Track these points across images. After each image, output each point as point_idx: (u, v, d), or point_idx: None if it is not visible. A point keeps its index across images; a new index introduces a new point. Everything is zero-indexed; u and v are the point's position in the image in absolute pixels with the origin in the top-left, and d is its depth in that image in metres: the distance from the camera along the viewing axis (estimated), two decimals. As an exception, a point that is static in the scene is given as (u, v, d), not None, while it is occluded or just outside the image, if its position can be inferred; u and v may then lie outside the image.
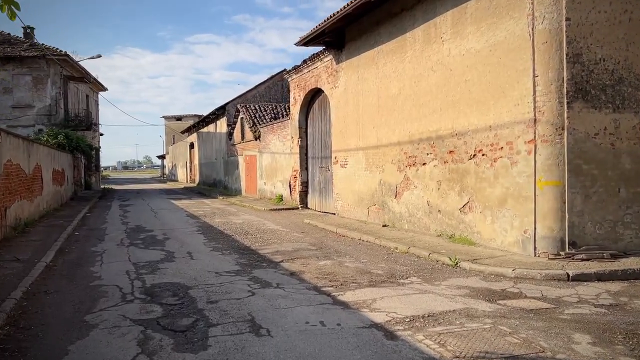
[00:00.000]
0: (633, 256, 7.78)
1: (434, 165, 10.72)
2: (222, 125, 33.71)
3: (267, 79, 33.03)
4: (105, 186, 42.17)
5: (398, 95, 12.04)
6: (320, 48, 16.23)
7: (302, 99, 18.39)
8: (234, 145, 30.11)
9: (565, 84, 7.82)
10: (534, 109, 8.02)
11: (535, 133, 8.04)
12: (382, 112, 12.80)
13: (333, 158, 15.92)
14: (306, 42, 15.13)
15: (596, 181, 7.98)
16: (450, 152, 10.17)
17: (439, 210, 10.58)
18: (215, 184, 36.30)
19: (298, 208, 18.93)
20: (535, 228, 8.07)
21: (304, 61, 17.45)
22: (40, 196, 16.36)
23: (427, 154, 10.95)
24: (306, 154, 18.93)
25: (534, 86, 8.01)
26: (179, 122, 70.49)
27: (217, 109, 33.37)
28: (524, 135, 8.23)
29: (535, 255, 8.07)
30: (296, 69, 18.43)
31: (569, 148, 7.83)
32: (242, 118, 28.00)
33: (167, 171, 73.62)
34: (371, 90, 13.31)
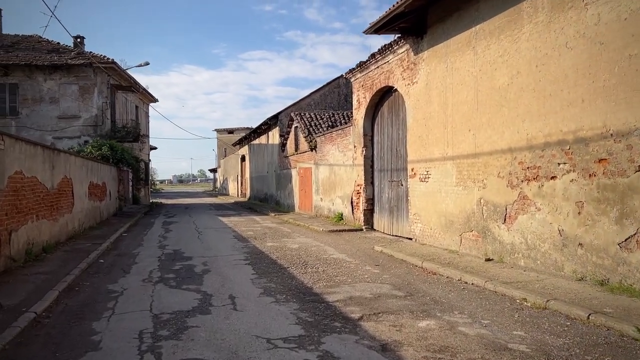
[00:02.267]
0: None
1: (571, 180, 7.61)
2: (274, 136, 31.42)
3: (323, 86, 30.53)
4: (154, 201, 40.76)
5: (508, 86, 9.02)
6: (392, 38, 13.43)
7: (368, 101, 15.59)
8: (286, 157, 27.66)
9: None
10: None
11: None
12: (482, 109, 9.80)
13: (409, 170, 12.98)
14: (377, 28, 12.36)
15: None
16: (601, 160, 7.06)
17: (580, 244, 7.44)
18: (267, 198, 33.97)
19: (362, 229, 16.05)
20: None
21: (372, 55, 14.68)
22: (69, 214, 14.27)
23: (559, 163, 7.86)
24: (372, 166, 16.06)
25: None
26: (231, 135, 69.39)
27: (270, 119, 31.12)
28: None
29: None
30: (361, 66, 15.68)
31: None
32: (296, 127, 25.53)
33: (218, 185, 72.59)
34: (466, 83, 10.34)
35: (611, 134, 6.87)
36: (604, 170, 7.00)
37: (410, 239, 12.97)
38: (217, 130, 75.61)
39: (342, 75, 30.88)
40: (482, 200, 9.88)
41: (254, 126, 39.43)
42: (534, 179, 8.42)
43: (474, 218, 10.13)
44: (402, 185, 13.91)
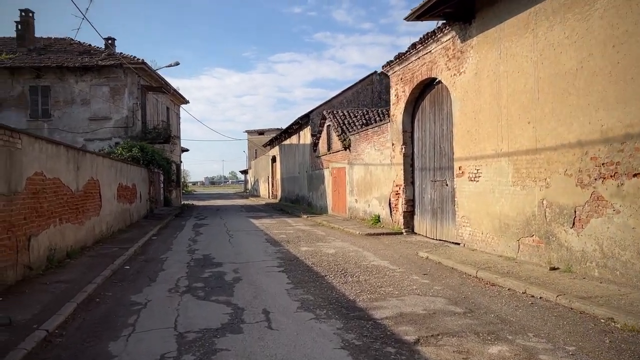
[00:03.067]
0: None
1: (661, 177, 6.47)
2: (305, 135, 30.61)
3: (355, 83, 29.57)
4: (186, 202, 40.53)
5: (577, 71, 7.90)
6: (433, 25, 12.40)
7: (407, 95, 14.56)
8: (318, 157, 26.79)
9: None
10: None
11: None
12: (544, 99, 8.69)
13: (456, 169, 11.90)
14: (419, 15, 11.34)
15: None
16: (703, 153, 5.91)
17: (675, 253, 6.30)
18: (298, 200, 33.19)
19: (402, 233, 15.02)
20: None
21: (412, 45, 13.65)
22: (96, 217, 13.71)
23: (644, 158, 6.73)
24: (412, 165, 15.02)
25: None
26: (262, 136, 69.07)
27: (301, 118, 30.33)
28: None
29: None
30: (400, 57, 14.67)
31: None
32: (328, 126, 24.64)
33: (249, 186, 72.36)
34: (523, 70, 9.24)
35: None
36: None
37: (458, 244, 11.89)
38: (248, 132, 75.45)
39: (375, 72, 29.91)
40: (544, 202, 8.76)
41: (284, 127, 38.78)
42: (611, 176, 7.28)
43: (535, 221, 9.01)
44: (446, 185, 12.84)
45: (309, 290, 7.85)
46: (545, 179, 8.71)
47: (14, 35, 29.24)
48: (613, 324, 5.67)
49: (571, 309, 6.36)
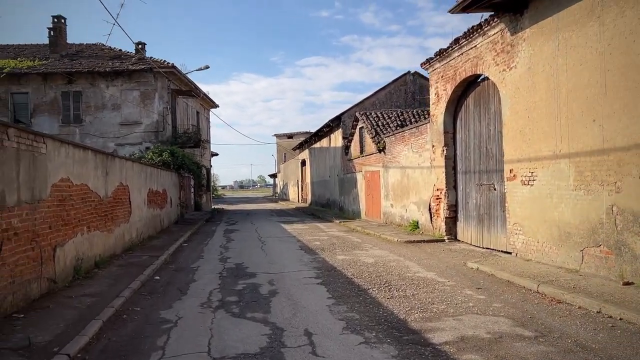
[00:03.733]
0: None
1: None
2: (336, 138, 29.92)
3: (388, 84, 28.76)
4: (216, 207, 40.34)
5: (656, 60, 6.98)
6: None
7: (449, 93, 13.72)
8: (350, 160, 26.04)
9: None
10: None
11: None
12: (613, 94, 7.77)
13: (506, 172, 11.01)
14: (466, 6, 10.53)
15: None
16: None
17: None
18: (329, 204, 32.49)
19: (444, 240, 14.15)
20: None
21: (455, 40, 12.81)
22: (125, 224, 13.29)
23: None
24: (454, 168, 14.15)
25: None
26: (290, 139, 68.76)
27: (332, 120, 29.65)
28: None
29: None
30: (441, 54, 13.83)
31: None
32: (361, 128, 23.89)
33: (278, 190, 72.09)
34: (587, 62, 8.34)
35: None
36: None
37: (509, 253, 10.98)
38: (277, 136, 75.29)
39: (408, 72, 29.05)
40: (614, 208, 7.83)
41: (313, 130, 38.15)
42: (701, 180, 6.35)
43: (603, 230, 8.08)
44: (494, 189, 11.94)
45: (352, 307, 7.12)
46: (615, 183, 7.78)
47: (46, 41, 29.46)
48: None
49: (663, 334, 5.47)
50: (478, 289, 8.16)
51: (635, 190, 7.39)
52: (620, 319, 6.09)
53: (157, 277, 9.89)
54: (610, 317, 6.22)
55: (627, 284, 7.43)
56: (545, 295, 7.49)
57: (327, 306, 7.23)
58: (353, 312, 6.84)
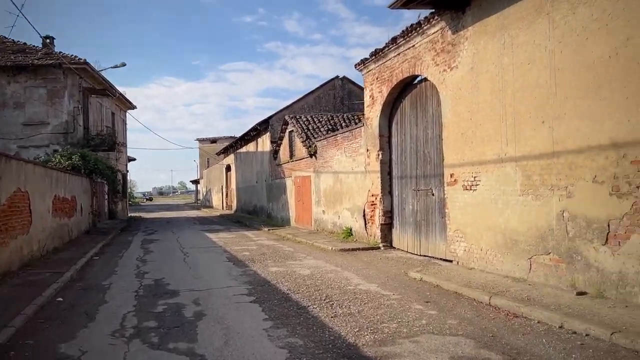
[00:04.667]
0: None
1: None
2: (264, 142, 28.87)
3: (317, 88, 28.22)
4: (133, 215, 37.82)
5: (610, 59, 6.67)
6: (419, 14, 11.10)
7: (384, 96, 13.19)
8: (279, 165, 25.11)
9: None
10: None
11: None
12: (564, 94, 7.43)
13: (446, 177, 10.56)
14: (406, 1, 9.98)
15: None
16: None
17: None
18: (257, 211, 31.32)
19: (379, 248, 13.57)
20: None
21: (392, 40, 12.28)
22: (24, 235, 11.52)
23: None
24: (390, 173, 13.63)
25: None
26: (214, 144, 66.69)
27: (259, 124, 28.58)
28: None
29: None
30: (376, 54, 13.29)
31: None
32: (290, 132, 23.05)
33: (201, 197, 69.56)
34: (536, 61, 7.98)
35: None
36: None
37: (450, 261, 10.52)
38: (199, 140, 72.77)
39: (337, 77, 28.67)
40: (565, 214, 7.48)
41: (238, 135, 36.81)
42: (661, 183, 6.05)
43: (553, 237, 7.71)
44: (433, 194, 11.48)
45: (294, 330, 6.19)
46: (567, 187, 7.44)
47: None
48: None
49: (637, 352, 5.00)
50: (427, 302, 7.50)
51: (588, 195, 7.06)
52: (587, 334, 5.60)
53: (60, 299, 8.43)
54: (575, 333, 5.72)
55: (580, 293, 7.06)
56: (500, 308, 6.95)
57: (264, 330, 6.25)
58: (295, 337, 5.91)
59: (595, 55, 6.88)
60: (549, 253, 7.79)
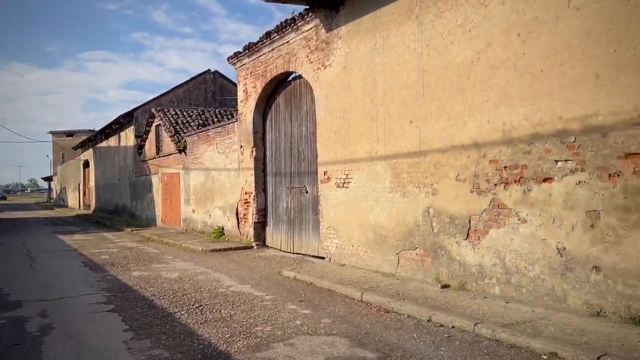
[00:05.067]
0: None
1: (578, 183, 5.79)
2: (128, 137, 26.95)
3: (188, 81, 27.04)
4: (-30, 215, 33.12)
5: (473, 63, 7.05)
6: (292, 10, 10.98)
7: (259, 91, 12.89)
8: (145, 161, 23.58)
9: None
10: None
11: None
12: (431, 95, 7.74)
13: (320, 174, 10.56)
14: (281, -6, 9.78)
15: None
16: (629, 155, 5.31)
17: (596, 267, 5.63)
18: (119, 210, 29.16)
19: (252, 247, 13.24)
20: None
21: (266, 34, 12.02)
22: None
23: (557, 161, 6.02)
24: (264, 170, 13.36)
25: None
26: (70, 138, 61.15)
27: (123, 116, 26.59)
28: None
29: None
30: (250, 48, 12.93)
31: None
32: (157, 126, 21.72)
33: (54, 195, 63.28)
34: (405, 63, 8.23)
35: (649, 120, 5.13)
36: (636, 168, 5.24)
37: (323, 258, 10.53)
38: (53, 133, 66.15)
39: (208, 70, 27.73)
40: (430, 210, 7.80)
41: (98, 129, 34.00)
42: (515, 181, 6.51)
43: (419, 232, 8.01)
44: (306, 192, 11.44)
45: (158, 341, 5.63)
46: (432, 185, 7.76)
47: None
48: (559, 360, 4.67)
49: (497, 341, 5.27)
50: (301, 302, 7.35)
51: (452, 192, 7.41)
52: (453, 326, 5.82)
53: None
54: (442, 325, 5.92)
55: (445, 286, 7.39)
56: (371, 304, 7.02)
57: (124, 342, 5.61)
58: (160, 348, 5.36)
59: (460, 59, 7.24)
60: (416, 248, 8.08)
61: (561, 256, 5.97)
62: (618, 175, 5.39)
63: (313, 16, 10.36)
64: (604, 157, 5.51)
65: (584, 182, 5.71)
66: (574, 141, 5.81)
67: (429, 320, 6.13)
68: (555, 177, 6.02)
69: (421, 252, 8.00)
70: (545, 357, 4.76)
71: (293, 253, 11.93)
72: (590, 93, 5.62)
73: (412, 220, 8.16)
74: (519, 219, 6.46)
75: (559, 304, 5.99)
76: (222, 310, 6.94)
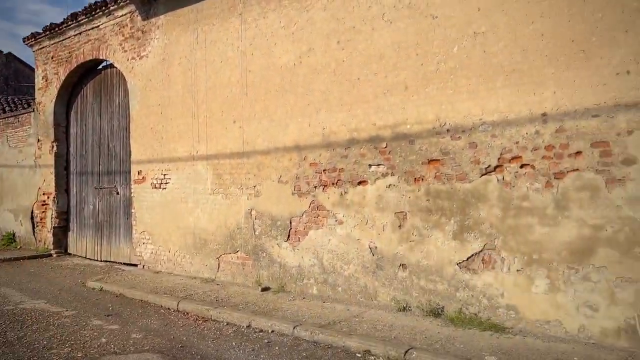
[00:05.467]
0: None
1: (389, 186, 6.15)
2: None
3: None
4: None
5: (295, 66, 7.09)
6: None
7: (62, 79, 11.41)
8: None
9: None
10: (676, 80, 4.31)
11: (677, 125, 4.32)
12: (255, 95, 7.60)
13: (134, 174, 9.71)
14: (91, -27, 8.76)
15: None
16: (432, 161, 5.79)
17: (403, 265, 6.03)
18: None
19: (51, 255, 11.67)
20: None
21: (72, 16, 10.68)
22: None
23: (370, 165, 6.32)
24: (67, 168, 11.87)
25: (675, 39, 4.31)
26: None
27: None
28: (646, 129, 4.44)
29: (687, 356, 4.29)
30: (52, 30, 11.38)
31: None
32: None
33: None
34: (229, 60, 7.97)
35: (447, 130, 5.64)
36: (437, 173, 5.74)
37: (136, 265, 9.69)
38: None
39: (1, 52, 23.95)
40: (253, 212, 7.65)
41: None
42: (333, 184, 6.69)
43: (241, 235, 7.81)
44: (117, 193, 10.44)
45: None
46: (255, 187, 7.62)
47: None
48: (372, 357, 4.85)
49: (316, 342, 5.31)
50: (108, 316, 6.59)
51: (274, 194, 7.36)
52: (272, 331, 5.71)
53: None
54: (262, 331, 5.78)
55: (265, 289, 7.30)
56: (189, 313, 6.59)
57: None
58: None
59: (283, 61, 7.22)
60: (237, 251, 7.87)
61: (373, 255, 6.28)
62: (422, 179, 5.85)
63: (128, 1, 9.48)
64: (411, 162, 5.94)
65: (394, 185, 6.09)
66: (386, 147, 6.16)
67: (248, 327, 5.94)
68: (369, 180, 6.33)
69: (242, 255, 7.81)
70: (359, 355, 4.91)
71: (101, 261, 10.80)
72: (400, 102, 6.01)
73: (234, 223, 7.92)
74: (336, 220, 6.65)
75: (371, 301, 6.30)
76: (8, 333, 5.87)
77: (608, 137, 4.61)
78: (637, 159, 4.47)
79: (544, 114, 4.98)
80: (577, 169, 4.79)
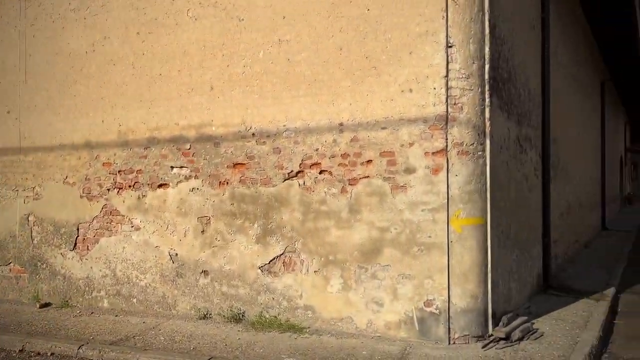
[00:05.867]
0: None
1: (192, 189, 5.88)
2: None
3: None
4: None
5: (88, 54, 6.36)
6: None
7: None
8: None
9: (487, 65, 5.12)
10: (446, 99, 4.93)
11: (447, 139, 4.94)
12: (35, 84, 6.62)
13: None
14: None
15: (513, 215, 5.65)
16: (237, 165, 5.70)
17: (205, 271, 5.81)
18: None
19: None
20: (449, 296, 4.92)
21: None
22: None
23: (172, 167, 5.97)
24: None
25: (447, 62, 4.93)
26: None
27: None
28: (424, 141, 4.98)
29: (450, 342, 4.90)
30: None
31: (491, 166, 5.14)
32: None
33: None
34: (4, 41, 6.82)
35: (253, 134, 5.61)
36: (242, 177, 5.66)
37: None
38: None
39: None
40: (31, 218, 6.65)
41: None
42: (130, 186, 6.16)
43: (16, 244, 6.72)
44: None
45: None
46: (34, 188, 6.64)
47: None
48: (168, 371, 4.54)
49: (104, 362, 4.79)
50: None
51: (59, 197, 6.50)
52: (52, 354, 4.99)
53: None
54: (39, 354, 5.02)
55: (44, 305, 6.40)
56: (-61, 341, 5.41)
57: None
58: None
59: (72, 47, 6.44)
60: (9, 263, 6.77)
61: (173, 262, 5.95)
62: (227, 183, 5.73)
63: None
64: (216, 165, 5.78)
65: (197, 188, 5.85)
66: (189, 148, 5.90)
67: (21, 351, 5.11)
68: (171, 183, 5.98)
69: (16, 268, 6.74)
70: (154, 371, 4.56)
71: None
72: (206, 102, 5.81)
73: (6, 231, 6.80)
74: (132, 226, 6.14)
75: (170, 311, 5.95)
76: None
77: (394, 148, 5.07)
78: (416, 168, 4.99)
79: (341, 124, 5.27)
80: (368, 176, 5.16)
